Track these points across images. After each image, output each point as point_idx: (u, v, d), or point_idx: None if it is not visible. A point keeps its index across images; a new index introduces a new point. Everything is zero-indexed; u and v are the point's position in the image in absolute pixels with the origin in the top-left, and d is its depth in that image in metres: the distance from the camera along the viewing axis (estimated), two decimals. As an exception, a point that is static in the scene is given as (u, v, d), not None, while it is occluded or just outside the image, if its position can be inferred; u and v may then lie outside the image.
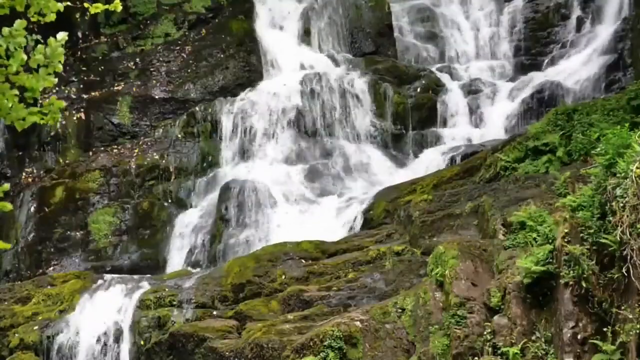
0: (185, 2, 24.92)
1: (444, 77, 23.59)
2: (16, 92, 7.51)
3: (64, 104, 7.94)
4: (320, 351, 13.19)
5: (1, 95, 7.50)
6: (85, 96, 23.06)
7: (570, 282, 11.59)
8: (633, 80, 19.35)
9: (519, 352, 12.01)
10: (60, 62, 7.59)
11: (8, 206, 7.97)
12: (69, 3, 8.17)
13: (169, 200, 21.27)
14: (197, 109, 22.42)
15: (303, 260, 16.69)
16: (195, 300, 16.11)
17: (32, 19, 7.89)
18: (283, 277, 16.22)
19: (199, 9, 24.80)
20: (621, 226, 10.96)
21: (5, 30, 7.50)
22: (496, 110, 22.40)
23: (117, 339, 15.99)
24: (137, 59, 23.92)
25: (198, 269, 18.93)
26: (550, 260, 12.09)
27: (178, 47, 24.13)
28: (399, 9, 25.96)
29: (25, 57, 7.43)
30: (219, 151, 21.87)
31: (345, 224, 18.95)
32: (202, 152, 21.89)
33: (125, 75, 23.60)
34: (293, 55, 24.01)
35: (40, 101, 7.95)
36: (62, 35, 7.52)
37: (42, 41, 7.61)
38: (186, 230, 20.47)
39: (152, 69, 23.62)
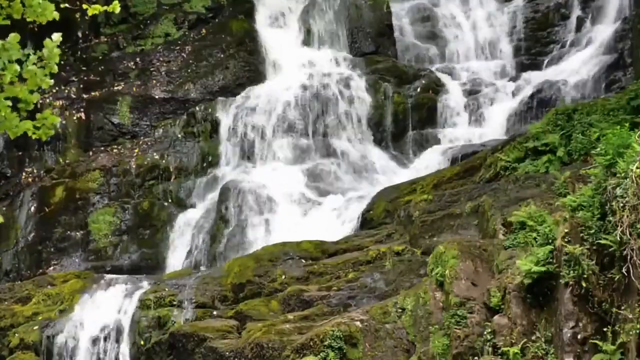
0: (185, 2, 24.93)
1: (444, 77, 23.57)
2: (9, 103, 7.49)
3: (58, 119, 7.92)
4: (320, 351, 13.18)
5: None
6: (85, 96, 23.06)
7: (570, 282, 11.59)
8: (633, 80, 19.31)
9: (519, 352, 12.01)
10: (55, 62, 7.57)
11: None
12: (67, 5, 8.17)
13: (169, 200, 21.26)
14: (197, 109, 22.42)
15: (303, 260, 16.69)
16: (195, 300, 16.10)
17: (30, 19, 7.88)
18: (283, 277, 16.21)
19: (199, 9, 24.81)
20: (621, 226, 10.95)
21: None
22: (496, 110, 22.37)
23: (117, 339, 15.98)
24: (137, 59, 23.92)
25: (198, 269, 18.92)
26: (550, 260, 12.08)
27: (178, 47, 24.13)
28: (399, 9, 25.94)
29: (18, 68, 7.42)
30: (219, 151, 21.86)
31: (346, 224, 18.94)
32: (202, 152, 21.88)
33: (125, 75, 23.61)
34: (293, 55, 23.99)
35: (40, 101, 7.93)
36: (56, 36, 7.51)
37: (34, 53, 7.58)
38: (186, 231, 20.48)
39: (152, 69, 23.62)
